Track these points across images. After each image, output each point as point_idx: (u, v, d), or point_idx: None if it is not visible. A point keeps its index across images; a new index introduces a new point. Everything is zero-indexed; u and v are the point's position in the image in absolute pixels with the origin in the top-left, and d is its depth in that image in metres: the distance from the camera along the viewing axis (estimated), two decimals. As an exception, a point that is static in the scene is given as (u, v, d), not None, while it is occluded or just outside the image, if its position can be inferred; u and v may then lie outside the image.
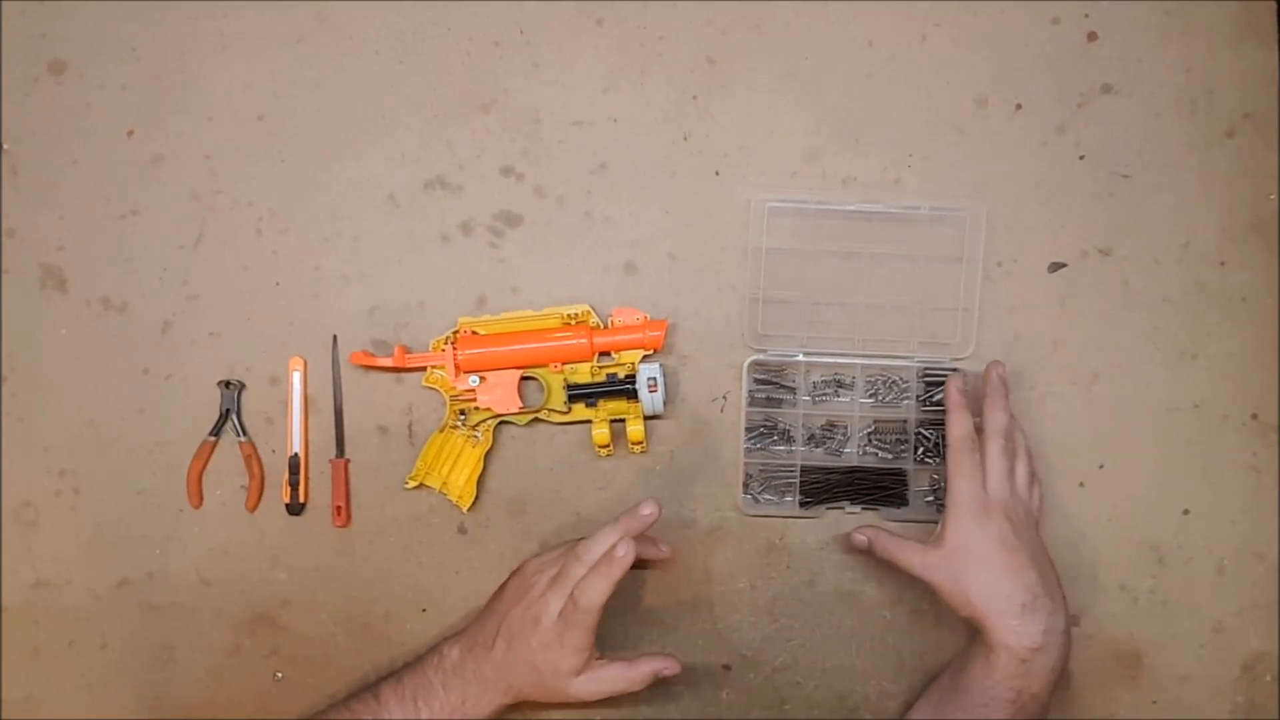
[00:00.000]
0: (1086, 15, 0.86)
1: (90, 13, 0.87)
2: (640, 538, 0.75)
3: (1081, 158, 0.86)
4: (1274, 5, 0.86)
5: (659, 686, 0.83)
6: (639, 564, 0.82)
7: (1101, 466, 0.85)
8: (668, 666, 0.75)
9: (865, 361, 0.84)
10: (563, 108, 0.86)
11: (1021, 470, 0.78)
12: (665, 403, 0.83)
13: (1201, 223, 0.86)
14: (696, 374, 0.85)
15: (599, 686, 0.74)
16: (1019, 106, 0.86)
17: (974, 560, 0.74)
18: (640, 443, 0.83)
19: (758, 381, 0.85)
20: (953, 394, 0.78)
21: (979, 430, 0.77)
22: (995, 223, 0.86)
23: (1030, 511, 0.78)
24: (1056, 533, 0.85)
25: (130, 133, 0.87)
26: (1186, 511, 0.85)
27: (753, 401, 0.84)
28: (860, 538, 0.80)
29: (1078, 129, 0.86)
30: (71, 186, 0.87)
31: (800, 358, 0.84)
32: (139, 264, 0.86)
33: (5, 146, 0.87)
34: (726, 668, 0.85)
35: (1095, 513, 0.85)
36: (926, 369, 0.84)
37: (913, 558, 0.76)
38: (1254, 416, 0.85)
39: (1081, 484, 0.85)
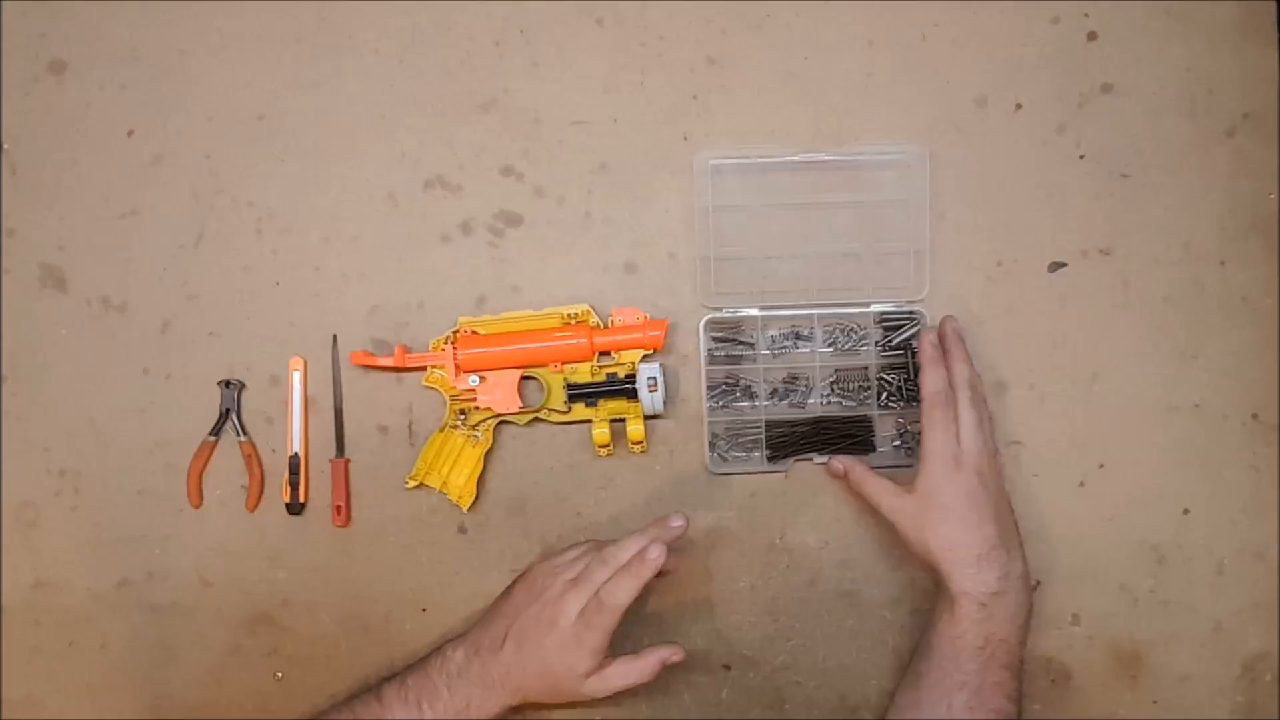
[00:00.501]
0: (1086, 15, 0.86)
1: (90, 13, 0.87)
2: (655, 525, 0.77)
3: (1081, 157, 0.86)
4: (1274, 5, 0.86)
5: (659, 685, 0.83)
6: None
7: (1101, 466, 0.85)
8: (674, 653, 0.75)
9: (822, 311, 0.85)
10: (563, 108, 0.86)
11: (988, 421, 0.78)
12: (665, 402, 0.83)
13: (1201, 222, 0.86)
14: (697, 374, 0.85)
15: (609, 684, 0.74)
16: (1019, 106, 0.86)
17: (939, 512, 0.75)
18: (640, 442, 0.83)
19: (715, 340, 0.85)
20: (927, 349, 0.78)
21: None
22: (995, 220, 0.86)
23: (997, 461, 0.78)
24: (1057, 533, 0.85)
25: (130, 133, 0.87)
26: (1186, 511, 0.85)
27: (712, 360, 0.85)
28: (838, 466, 0.81)
29: (1078, 129, 0.86)
30: (71, 186, 0.87)
31: (756, 312, 0.84)
32: (139, 264, 0.86)
33: (5, 146, 0.87)
34: (727, 668, 0.85)
35: (1095, 513, 0.85)
36: (884, 314, 0.84)
37: (883, 497, 0.78)
38: (1254, 416, 0.85)
39: (1081, 484, 0.85)
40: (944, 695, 0.73)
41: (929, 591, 0.79)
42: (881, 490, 0.78)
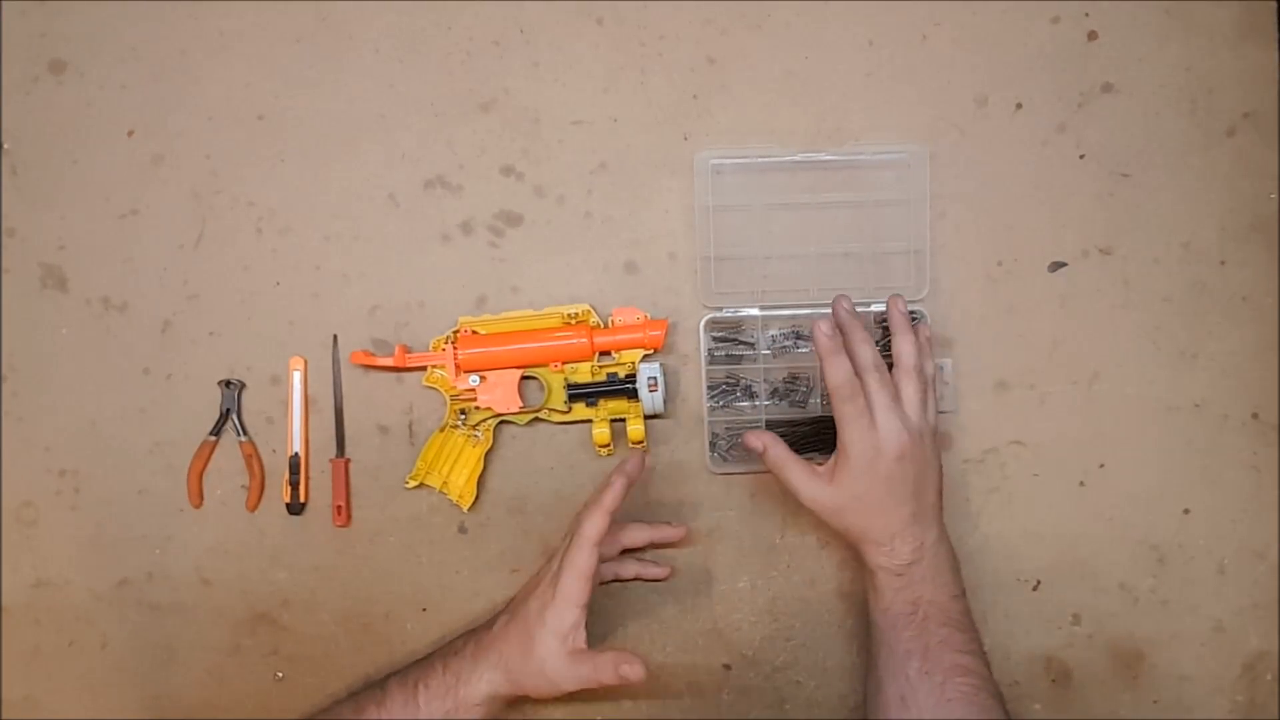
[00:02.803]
0: (1086, 14, 0.86)
1: (90, 13, 0.87)
2: (642, 561, 0.81)
3: (1081, 157, 0.86)
4: (1274, 5, 0.86)
5: (659, 685, 0.84)
6: (642, 579, 0.84)
7: (1101, 466, 0.85)
8: (630, 664, 0.71)
9: (822, 311, 0.84)
10: (563, 107, 0.86)
11: (910, 393, 0.75)
12: (665, 402, 0.83)
13: (1202, 222, 0.86)
14: (697, 374, 0.85)
15: (571, 668, 0.71)
16: (1019, 106, 0.86)
17: (855, 503, 0.74)
18: (640, 442, 0.83)
19: (716, 340, 0.85)
20: (822, 340, 0.74)
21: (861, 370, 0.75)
22: (995, 220, 0.86)
23: (927, 431, 0.75)
24: (1057, 533, 0.85)
25: (130, 133, 0.87)
26: (1187, 511, 0.85)
27: (712, 360, 0.85)
28: (757, 443, 0.76)
29: (1078, 128, 0.86)
30: (71, 186, 0.87)
31: (756, 312, 0.84)
32: (139, 264, 0.86)
33: (5, 146, 0.87)
34: (727, 667, 0.85)
35: (1095, 513, 0.85)
36: (884, 314, 0.84)
37: (801, 486, 0.75)
38: (1254, 416, 0.85)
39: (1081, 484, 0.85)
40: (898, 667, 0.74)
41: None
42: (800, 480, 0.76)
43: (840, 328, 0.76)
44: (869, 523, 0.75)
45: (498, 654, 0.73)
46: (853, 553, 0.84)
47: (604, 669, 0.71)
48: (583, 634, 0.72)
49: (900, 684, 0.73)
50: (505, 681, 0.73)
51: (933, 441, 0.76)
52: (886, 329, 0.84)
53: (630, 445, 0.84)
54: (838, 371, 0.73)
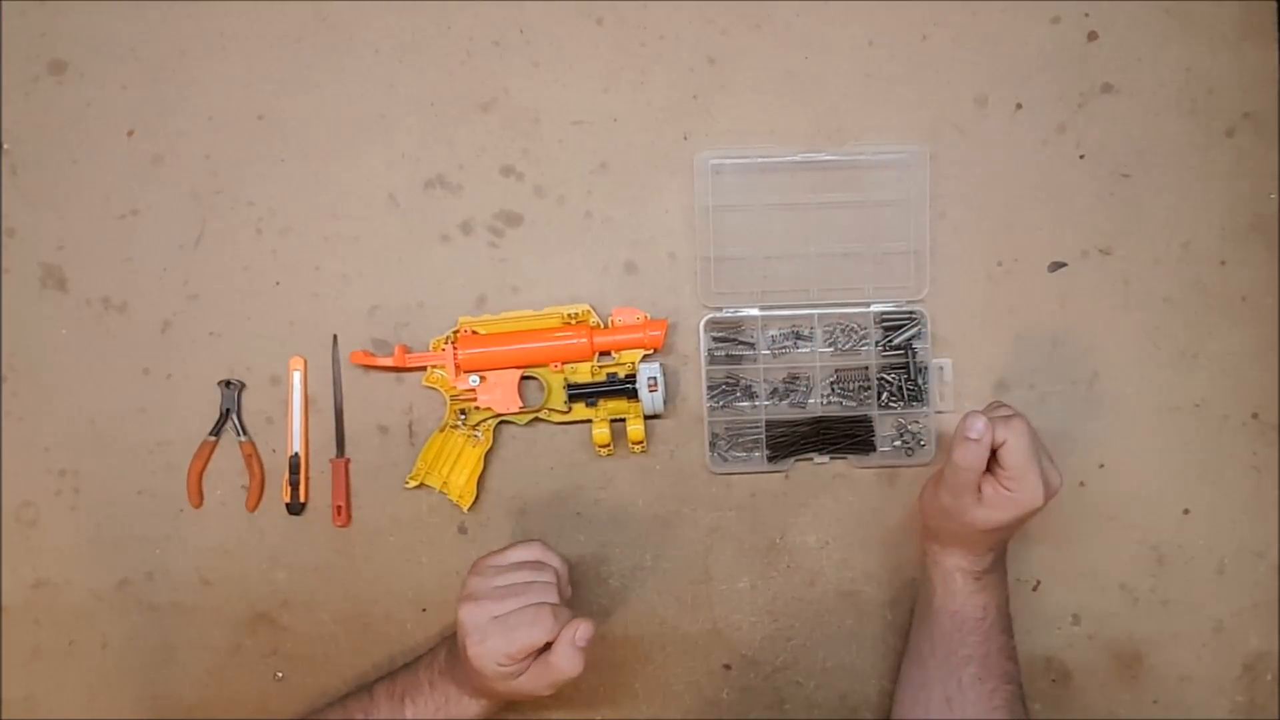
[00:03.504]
0: (1086, 15, 0.86)
1: (90, 13, 0.87)
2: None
3: (1082, 157, 0.86)
4: (1274, 5, 0.86)
5: (660, 685, 0.84)
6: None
7: (1101, 466, 0.85)
8: (579, 628, 0.67)
9: (822, 311, 0.85)
10: (563, 108, 0.86)
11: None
12: (665, 402, 0.83)
13: (1202, 222, 0.86)
14: (697, 374, 0.85)
15: (540, 679, 0.69)
16: (1019, 106, 0.86)
17: (980, 525, 0.71)
18: (640, 442, 0.83)
19: (716, 340, 0.85)
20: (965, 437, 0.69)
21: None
22: (995, 220, 0.86)
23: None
24: (1057, 533, 0.85)
25: (130, 133, 0.87)
26: (1187, 511, 0.85)
27: (712, 360, 0.85)
28: (990, 434, 0.69)
29: (1078, 129, 0.86)
30: (71, 186, 0.87)
31: (756, 312, 0.84)
32: (139, 264, 0.86)
33: (5, 146, 0.87)
34: (727, 667, 0.85)
35: (1095, 513, 0.85)
36: (884, 314, 0.84)
37: (963, 498, 0.70)
38: (1254, 416, 0.85)
39: (1081, 484, 0.85)
40: (952, 671, 0.74)
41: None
42: (967, 492, 0.70)
43: (999, 425, 0.70)
44: (981, 536, 0.73)
45: (474, 687, 0.72)
46: (859, 552, 0.83)
47: (565, 656, 0.68)
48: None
49: (950, 687, 0.74)
50: (492, 703, 0.74)
51: None
52: (887, 328, 0.84)
53: (630, 445, 0.84)
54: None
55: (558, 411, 0.84)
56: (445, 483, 0.84)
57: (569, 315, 0.84)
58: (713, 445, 0.85)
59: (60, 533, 0.86)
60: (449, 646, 0.75)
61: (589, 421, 0.84)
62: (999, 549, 0.75)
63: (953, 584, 0.75)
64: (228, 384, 0.85)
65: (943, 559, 0.75)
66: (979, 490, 0.70)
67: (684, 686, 0.85)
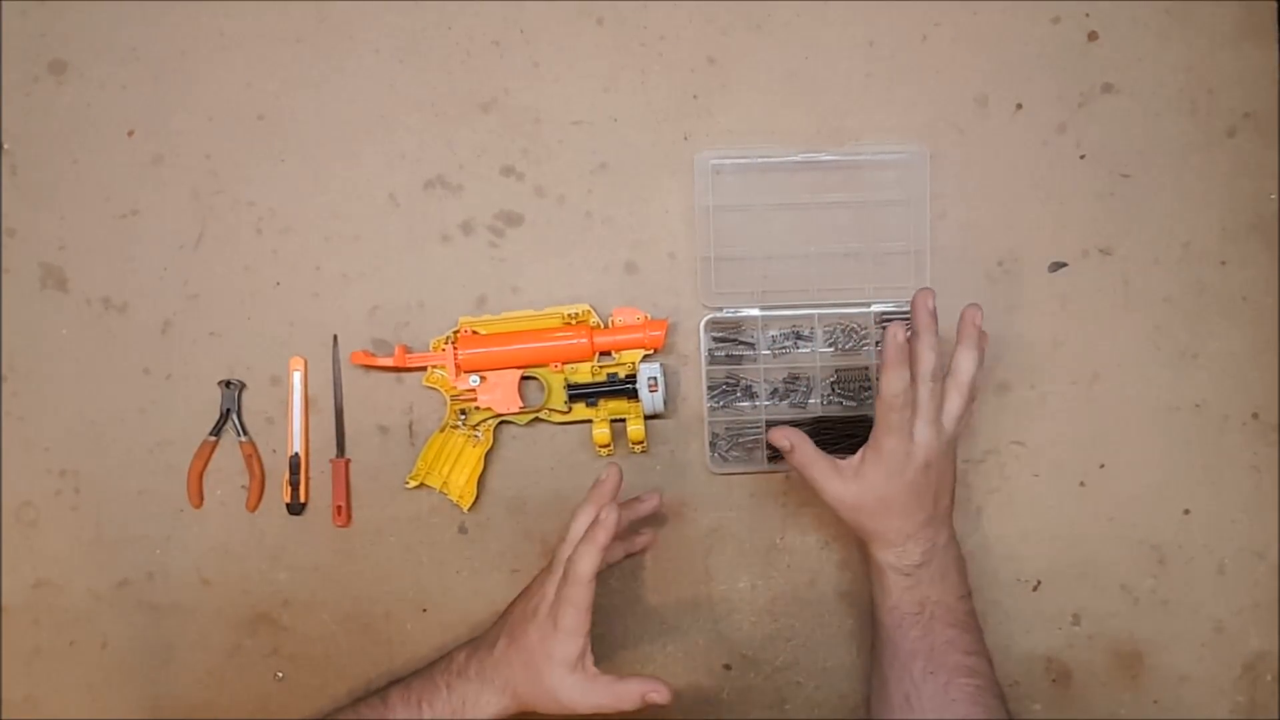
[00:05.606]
0: (1087, 15, 0.86)
1: (90, 13, 0.87)
2: (625, 507, 0.75)
3: (1082, 157, 0.86)
4: (1274, 5, 0.86)
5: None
6: (631, 555, 0.82)
7: (1101, 466, 0.85)
8: (657, 691, 0.71)
9: (822, 311, 0.84)
10: (563, 108, 0.86)
11: (952, 406, 0.74)
12: (666, 402, 0.83)
13: (1202, 222, 0.86)
14: (697, 374, 0.85)
15: (587, 696, 0.71)
16: (1019, 106, 0.86)
17: (877, 504, 0.74)
18: (640, 442, 0.83)
19: (716, 340, 0.85)
20: (890, 348, 0.72)
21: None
22: (995, 220, 0.86)
23: (952, 442, 0.75)
24: (1057, 533, 0.85)
25: (130, 133, 0.87)
26: (1187, 511, 0.85)
27: (712, 360, 0.85)
28: (784, 441, 0.75)
29: (1078, 129, 0.86)
30: (71, 186, 0.87)
31: (756, 312, 0.84)
32: (139, 264, 0.86)
33: (5, 146, 0.87)
34: (727, 667, 0.85)
35: (1095, 513, 0.85)
36: (884, 314, 0.84)
37: (824, 482, 0.75)
38: (1254, 416, 0.85)
39: (1081, 484, 0.85)
40: (902, 667, 0.74)
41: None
42: (824, 477, 0.75)
43: (917, 328, 0.74)
44: (885, 524, 0.74)
45: (504, 679, 0.73)
46: (857, 552, 0.84)
47: (627, 697, 0.71)
48: (590, 658, 0.71)
49: (905, 684, 0.73)
50: (514, 704, 0.73)
51: (953, 449, 0.76)
52: (886, 326, 0.84)
53: (630, 445, 0.84)
54: (895, 383, 0.72)
55: (558, 411, 0.84)
56: (445, 483, 0.84)
57: (569, 315, 0.85)
58: (713, 445, 0.85)
59: (60, 533, 0.86)
60: (469, 649, 0.75)
61: (589, 421, 0.84)
62: (924, 543, 0.74)
63: (885, 580, 0.75)
64: (228, 384, 0.85)
65: (872, 556, 0.76)
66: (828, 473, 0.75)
67: (684, 686, 0.85)
